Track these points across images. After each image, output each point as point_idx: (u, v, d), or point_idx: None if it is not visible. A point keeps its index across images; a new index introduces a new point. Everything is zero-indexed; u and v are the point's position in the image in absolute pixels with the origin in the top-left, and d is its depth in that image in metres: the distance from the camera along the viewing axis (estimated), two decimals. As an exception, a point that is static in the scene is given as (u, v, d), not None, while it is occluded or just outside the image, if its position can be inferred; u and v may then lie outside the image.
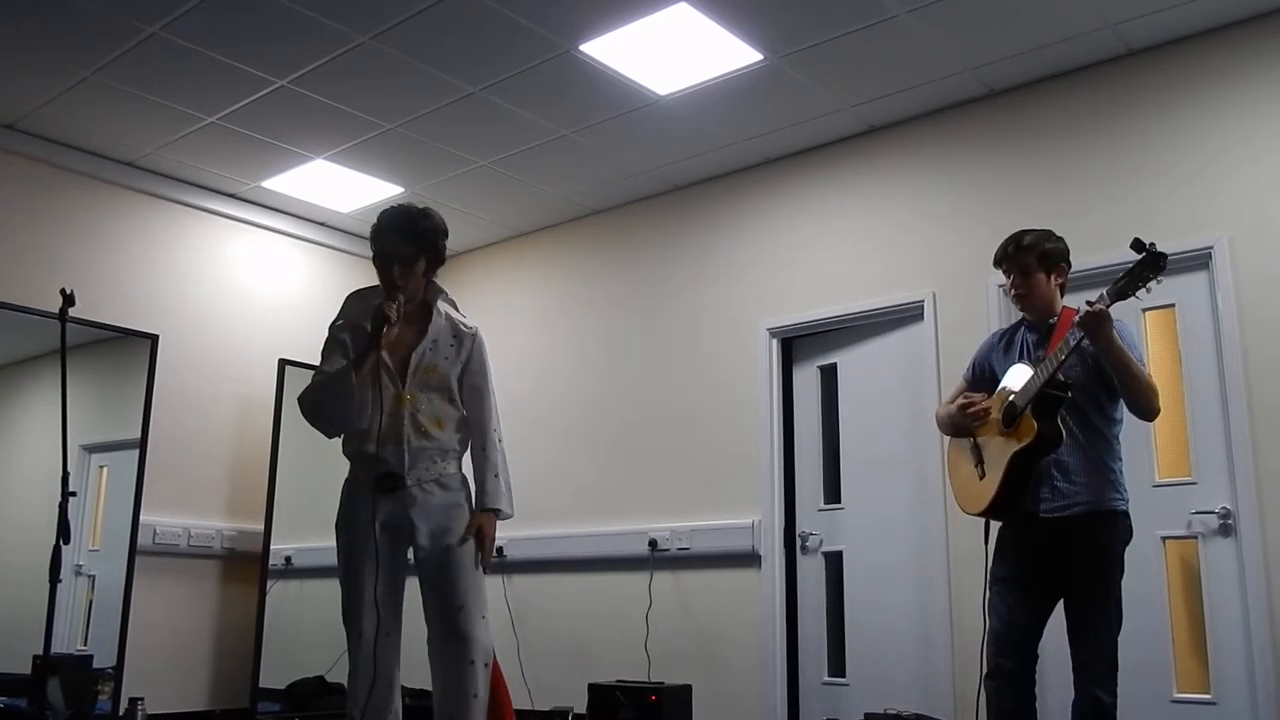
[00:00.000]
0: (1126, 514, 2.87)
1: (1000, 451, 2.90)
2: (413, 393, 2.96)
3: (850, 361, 4.88)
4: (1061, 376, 2.79)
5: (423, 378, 2.97)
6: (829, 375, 4.96)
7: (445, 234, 3.09)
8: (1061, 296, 3.05)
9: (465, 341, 3.07)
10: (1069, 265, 3.05)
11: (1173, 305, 3.94)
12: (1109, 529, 2.83)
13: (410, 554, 3.00)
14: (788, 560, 4.82)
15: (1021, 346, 3.06)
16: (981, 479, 2.96)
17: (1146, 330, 3.99)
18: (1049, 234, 3.05)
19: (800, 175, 5.09)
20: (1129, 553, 2.87)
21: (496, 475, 3.00)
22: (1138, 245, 2.64)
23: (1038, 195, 4.28)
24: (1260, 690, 3.51)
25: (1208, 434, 3.80)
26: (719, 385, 5.15)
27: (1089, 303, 2.72)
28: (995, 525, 3.02)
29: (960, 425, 3.08)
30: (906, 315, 4.63)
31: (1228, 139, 3.90)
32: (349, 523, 2.95)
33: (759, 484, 4.88)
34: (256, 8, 3.86)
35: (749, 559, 4.83)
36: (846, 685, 4.59)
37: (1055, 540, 2.84)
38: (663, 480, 5.20)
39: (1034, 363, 2.90)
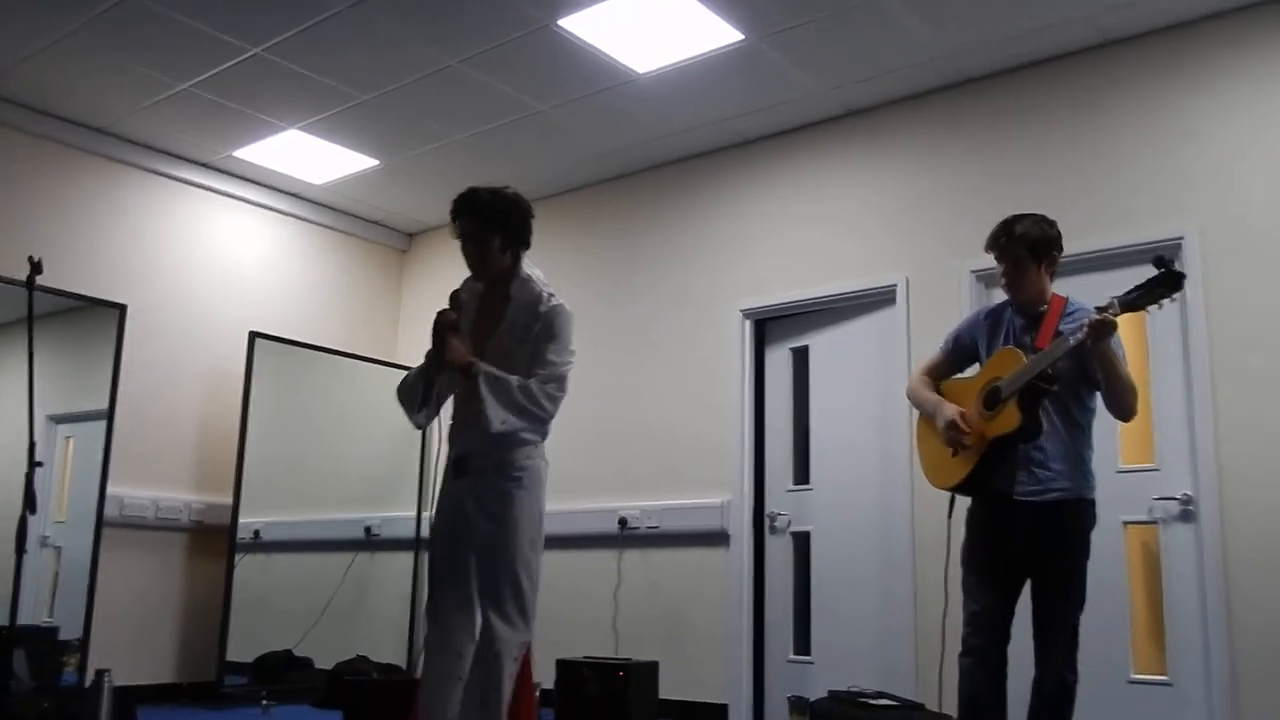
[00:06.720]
0: (1094, 502, 2.93)
1: (978, 433, 2.93)
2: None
3: (822, 344, 4.91)
4: (1050, 370, 2.81)
5: (494, 362, 2.90)
6: (801, 357, 4.99)
7: (519, 209, 2.98)
8: (1051, 283, 3.04)
9: (540, 318, 2.95)
10: (1060, 252, 3.03)
11: (1141, 294, 4.00)
12: (1080, 517, 2.89)
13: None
14: (756, 540, 4.87)
15: (1008, 329, 3.05)
16: (954, 455, 2.99)
17: (1115, 318, 4.04)
18: (1041, 222, 3.01)
19: (777, 157, 5.09)
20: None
21: (498, 378, 2.81)
22: (1159, 261, 2.66)
23: (1012, 182, 4.31)
24: (1215, 672, 3.60)
25: (1171, 422, 3.87)
26: (691, 365, 5.16)
27: (1099, 309, 2.72)
28: (960, 500, 3.06)
29: (931, 413, 3.09)
30: (879, 299, 4.66)
31: (1201, 131, 3.94)
32: (438, 501, 3.02)
33: (729, 464, 4.91)
34: (231, -26, 3.82)
35: (718, 538, 4.86)
36: (811, 663, 4.65)
37: (1028, 524, 2.89)
38: (633, 459, 5.21)
39: (1023, 349, 2.90)
